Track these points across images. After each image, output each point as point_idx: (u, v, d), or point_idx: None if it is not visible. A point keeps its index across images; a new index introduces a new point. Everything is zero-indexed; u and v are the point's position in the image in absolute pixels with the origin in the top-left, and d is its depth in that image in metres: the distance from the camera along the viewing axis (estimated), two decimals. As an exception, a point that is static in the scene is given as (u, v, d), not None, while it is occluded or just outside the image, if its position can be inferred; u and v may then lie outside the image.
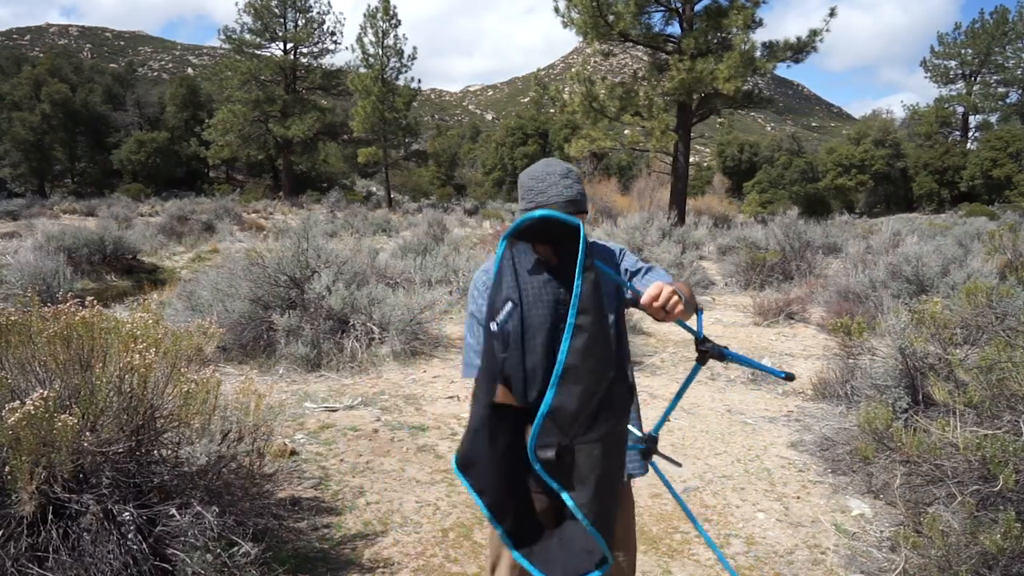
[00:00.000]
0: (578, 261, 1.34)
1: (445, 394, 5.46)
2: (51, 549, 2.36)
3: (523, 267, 1.64)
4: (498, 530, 1.49)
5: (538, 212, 1.41)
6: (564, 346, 1.33)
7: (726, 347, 1.62)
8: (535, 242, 1.55)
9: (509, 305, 1.54)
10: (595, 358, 1.34)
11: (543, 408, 1.35)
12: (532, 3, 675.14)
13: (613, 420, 1.40)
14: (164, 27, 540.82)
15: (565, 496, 1.36)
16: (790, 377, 1.71)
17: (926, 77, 47.47)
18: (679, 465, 1.79)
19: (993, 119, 45.50)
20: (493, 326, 1.54)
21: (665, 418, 1.70)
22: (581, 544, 1.43)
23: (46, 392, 2.31)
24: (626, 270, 1.85)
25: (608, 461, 1.40)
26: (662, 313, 1.55)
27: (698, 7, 20.35)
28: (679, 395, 1.65)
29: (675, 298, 1.54)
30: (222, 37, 37.20)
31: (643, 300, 1.54)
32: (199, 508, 2.60)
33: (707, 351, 1.59)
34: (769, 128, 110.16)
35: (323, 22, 37.99)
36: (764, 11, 35.00)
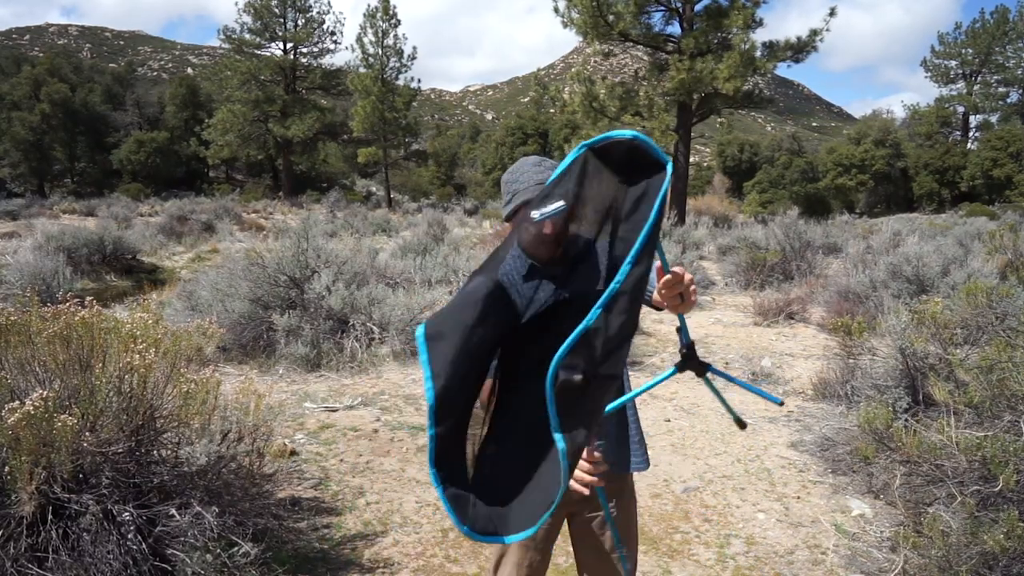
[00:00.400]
0: (659, 198, 1.25)
1: (445, 394, 5.46)
2: (51, 549, 2.36)
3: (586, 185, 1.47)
4: (430, 431, 1.30)
5: (629, 132, 1.30)
6: (625, 268, 1.21)
7: (712, 364, 1.59)
8: (611, 164, 1.37)
9: (560, 203, 1.39)
10: (640, 296, 1.24)
11: (584, 323, 1.19)
12: (533, 3, 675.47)
13: (619, 370, 1.29)
14: (164, 27, 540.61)
15: (558, 437, 1.21)
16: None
17: (926, 77, 47.51)
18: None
19: (993, 119, 45.50)
20: (536, 214, 1.41)
21: (624, 401, 1.67)
22: (500, 506, 1.30)
23: (46, 392, 2.30)
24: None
25: (600, 414, 1.30)
26: (678, 299, 1.48)
27: (698, 7, 20.39)
28: (647, 387, 1.63)
29: (694, 286, 1.51)
30: (222, 37, 37.19)
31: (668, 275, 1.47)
32: (199, 508, 2.60)
33: (693, 358, 1.54)
34: (769, 128, 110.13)
35: (323, 22, 37.99)
36: (764, 11, 34.94)
